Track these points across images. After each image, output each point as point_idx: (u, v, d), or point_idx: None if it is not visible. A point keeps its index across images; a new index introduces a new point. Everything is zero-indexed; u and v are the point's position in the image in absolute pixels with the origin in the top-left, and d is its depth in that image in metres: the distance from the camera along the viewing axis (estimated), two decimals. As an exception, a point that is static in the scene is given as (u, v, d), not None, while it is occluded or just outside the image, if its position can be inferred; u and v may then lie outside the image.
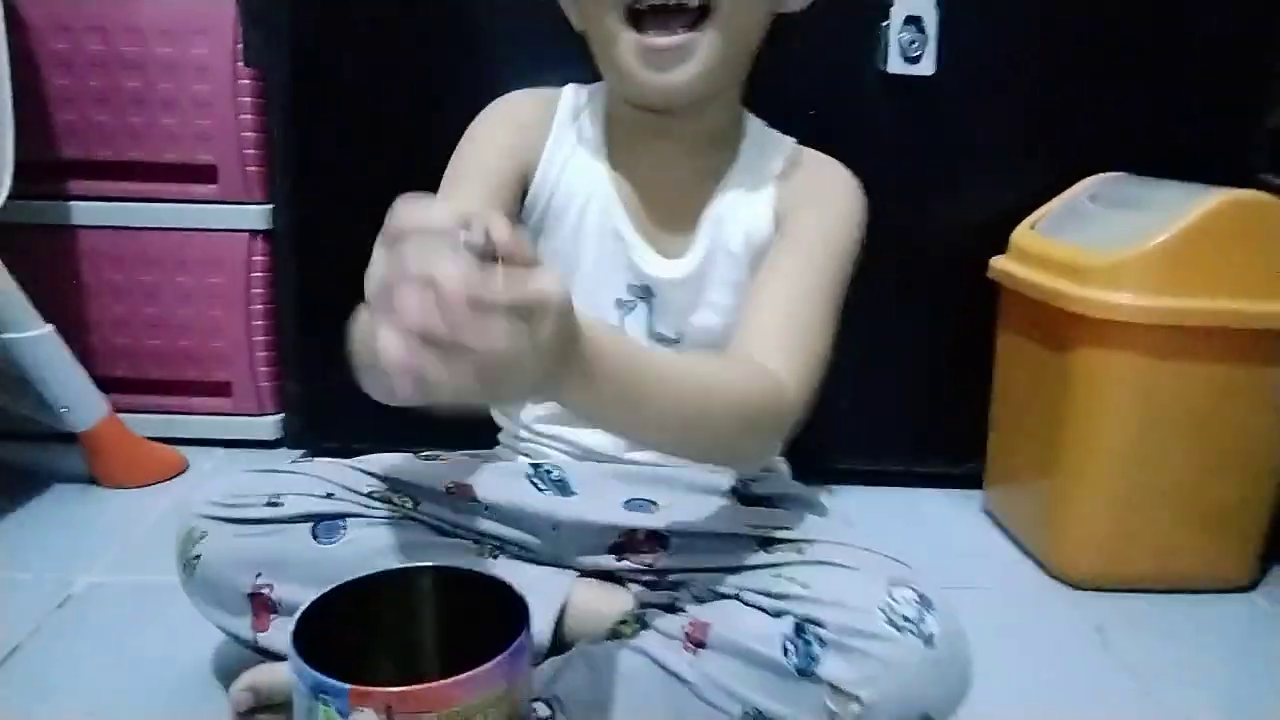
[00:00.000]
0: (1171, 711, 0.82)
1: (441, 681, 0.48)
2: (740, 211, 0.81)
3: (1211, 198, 0.92)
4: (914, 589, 0.61)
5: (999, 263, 1.12)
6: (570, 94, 0.85)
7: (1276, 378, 0.96)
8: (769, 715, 0.61)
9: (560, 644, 0.75)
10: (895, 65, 1.11)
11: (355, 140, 1.16)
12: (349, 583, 0.57)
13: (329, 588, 0.56)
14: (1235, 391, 0.96)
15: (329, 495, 0.76)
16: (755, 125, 0.85)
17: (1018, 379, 1.12)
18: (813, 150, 0.86)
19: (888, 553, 0.67)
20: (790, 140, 0.86)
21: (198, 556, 0.74)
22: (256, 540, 0.74)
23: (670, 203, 0.82)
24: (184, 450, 1.28)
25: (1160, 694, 0.84)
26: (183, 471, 1.25)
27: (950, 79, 1.11)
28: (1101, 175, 1.11)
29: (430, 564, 0.60)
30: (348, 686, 0.47)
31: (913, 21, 1.09)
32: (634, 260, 0.81)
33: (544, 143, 0.81)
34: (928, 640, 0.59)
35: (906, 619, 0.59)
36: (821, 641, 0.60)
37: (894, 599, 0.60)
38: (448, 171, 0.79)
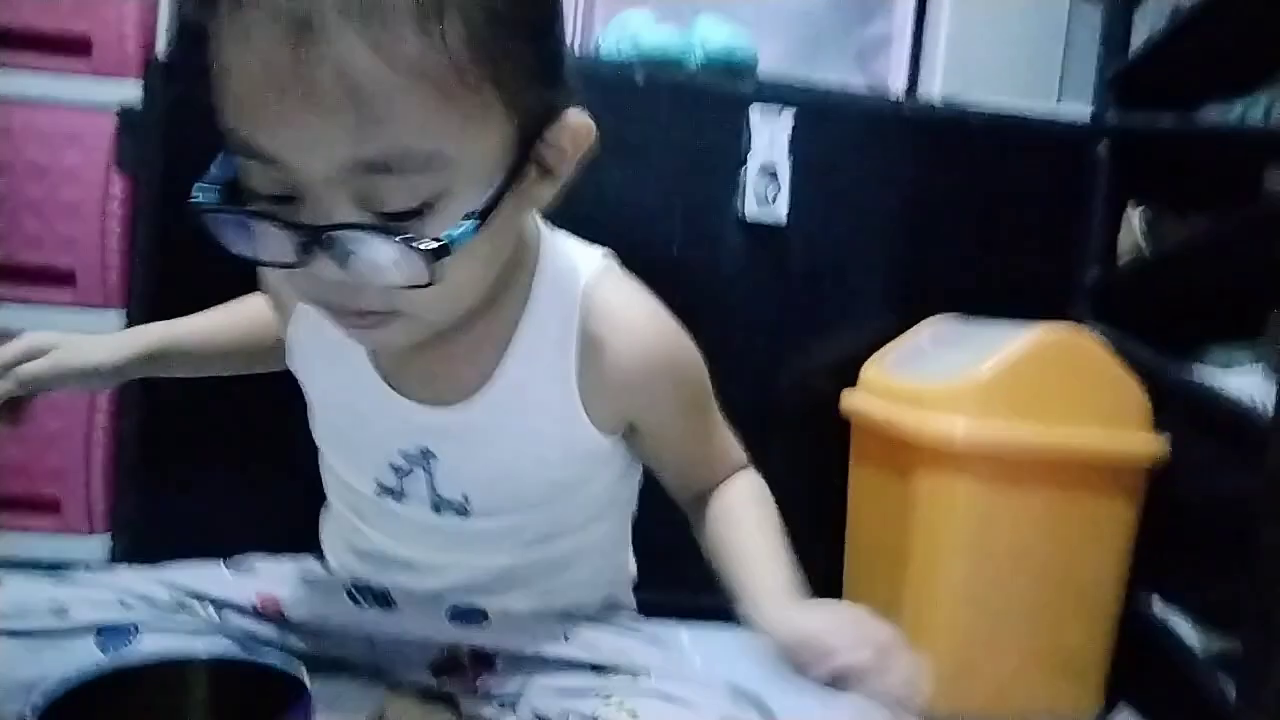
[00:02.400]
0: None
1: None
2: (530, 390, 0.66)
3: (1034, 332, 0.99)
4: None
5: (849, 397, 1.16)
6: None
7: (1108, 513, 1.00)
8: None
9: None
10: (751, 211, 1.18)
11: (225, 256, 1.15)
12: (105, 671, 0.50)
13: (82, 673, 0.50)
14: (1068, 526, 0.99)
15: (121, 603, 0.69)
16: (548, 269, 0.66)
17: (867, 513, 1.13)
18: (603, 298, 0.65)
19: (723, 683, 0.62)
20: (578, 286, 0.66)
21: None
22: (34, 656, 0.66)
23: (446, 362, 0.66)
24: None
25: None
26: None
27: (803, 226, 1.19)
28: (938, 316, 1.18)
29: (204, 654, 0.53)
30: None
31: (768, 172, 1.18)
32: (403, 417, 0.68)
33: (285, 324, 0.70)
34: None
35: None
36: None
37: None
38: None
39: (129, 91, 1.20)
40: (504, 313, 0.64)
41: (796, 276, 1.22)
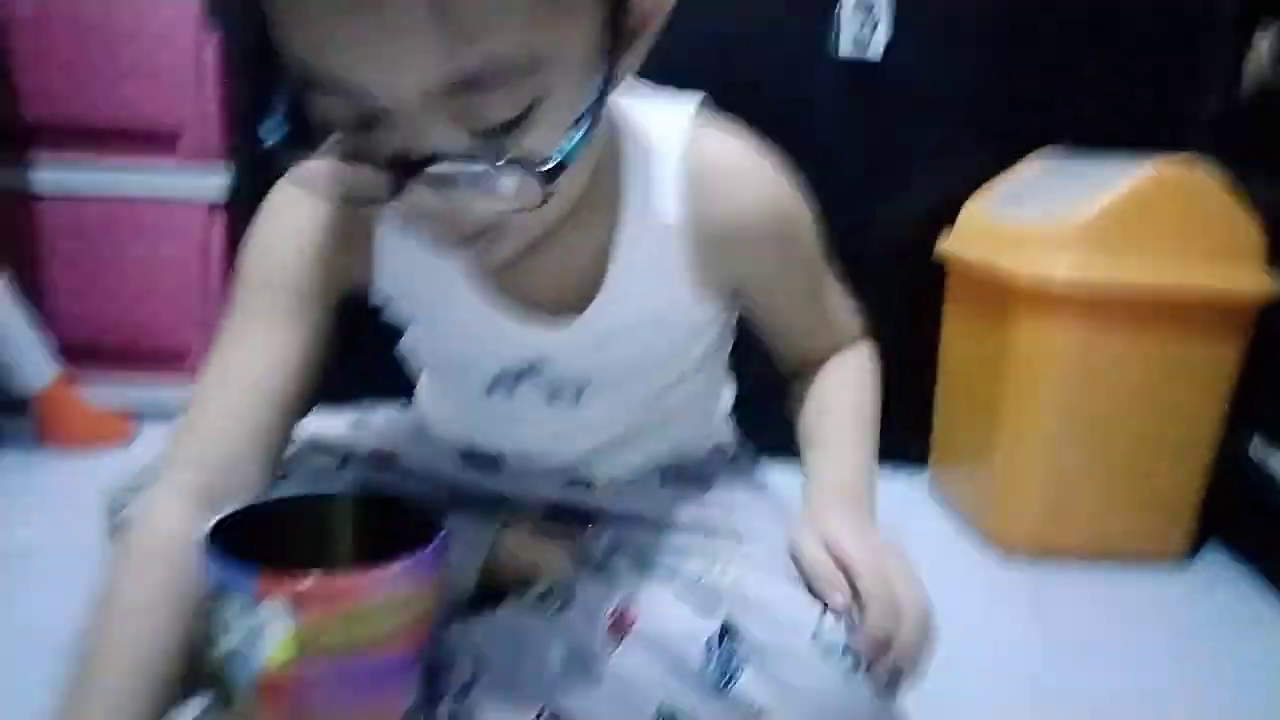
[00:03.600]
0: (1099, 681, 0.83)
1: (349, 575, 0.48)
2: (639, 286, 0.63)
3: (1146, 167, 0.94)
4: (846, 614, 0.58)
5: (945, 242, 1.14)
6: None
7: (1213, 354, 0.98)
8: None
9: (489, 589, 0.75)
10: (846, 49, 1.13)
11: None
12: (261, 504, 0.54)
13: (239, 507, 0.55)
14: (1171, 366, 0.97)
15: None
16: (631, 150, 0.62)
17: (962, 357, 1.13)
18: (705, 156, 0.61)
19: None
20: (674, 153, 0.62)
21: (122, 525, 0.73)
22: None
23: (550, 274, 0.64)
24: (134, 418, 1.28)
25: (1089, 663, 0.85)
26: (127, 439, 1.25)
27: (900, 62, 1.14)
28: (1047, 151, 1.13)
29: (348, 491, 0.59)
30: (256, 574, 0.47)
31: (864, 6, 1.12)
32: (514, 337, 0.66)
33: (370, 226, 0.63)
34: (854, 667, 0.56)
35: (836, 645, 0.56)
36: (743, 655, 0.58)
37: (826, 621, 0.57)
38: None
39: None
40: (600, 207, 0.60)
41: (893, 114, 1.18)
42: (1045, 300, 0.96)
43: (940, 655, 0.79)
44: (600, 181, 0.59)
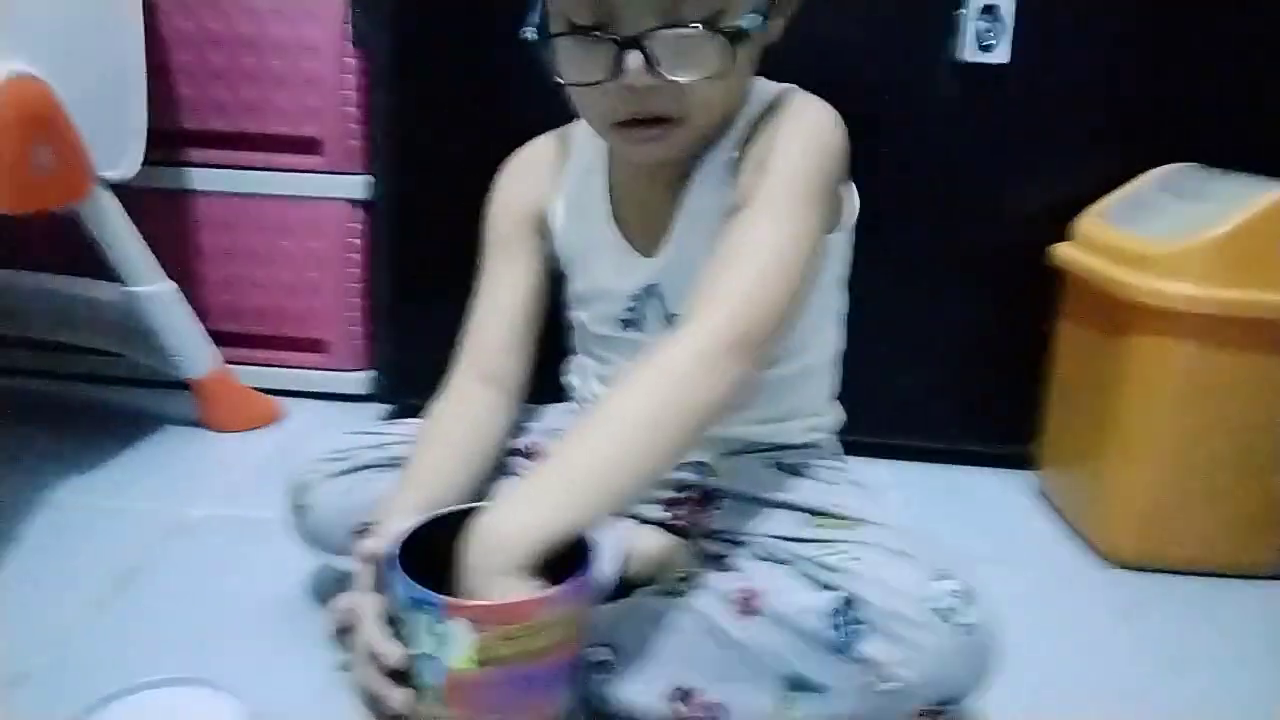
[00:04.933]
0: (1195, 694, 0.84)
1: (523, 599, 0.55)
2: (704, 220, 0.75)
3: (1275, 191, 0.94)
4: (957, 580, 0.65)
5: (1062, 249, 1.14)
6: (579, 133, 0.84)
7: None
8: (810, 683, 0.65)
9: (622, 585, 0.81)
10: (969, 54, 1.14)
11: (451, 118, 1.24)
12: (438, 515, 0.63)
13: (418, 519, 0.63)
14: (1288, 387, 0.97)
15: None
16: (755, 95, 0.77)
17: (1075, 363, 1.14)
18: (773, 102, 0.75)
19: (932, 537, 0.70)
20: (776, 89, 0.77)
21: (306, 505, 0.83)
22: (361, 486, 0.82)
23: (658, 200, 0.79)
24: (280, 401, 1.39)
25: (1187, 676, 0.87)
26: (279, 419, 1.36)
27: (1023, 67, 1.14)
28: (1171, 166, 1.12)
29: None
30: (443, 599, 0.55)
31: (989, 10, 1.12)
32: (633, 267, 0.81)
33: (550, 189, 0.84)
34: (966, 630, 0.63)
35: (948, 609, 0.63)
36: (866, 621, 0.63)
37: (938, 588, 0.64)
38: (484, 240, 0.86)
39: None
40: (698, 151, 0.75)
41: (1015, 119, 1.18)
42: (1167, 317, 0.96)
43: (1036, 654, 0.84)
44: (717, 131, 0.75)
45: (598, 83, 0.66)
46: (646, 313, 0.82)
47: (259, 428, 1.33)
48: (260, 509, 0.92)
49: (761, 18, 0.68)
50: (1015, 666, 0.67)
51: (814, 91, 0.76)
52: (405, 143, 1.26)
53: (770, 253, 0.66)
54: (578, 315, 0.88)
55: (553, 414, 0.91)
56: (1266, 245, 0.94)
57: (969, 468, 1.30)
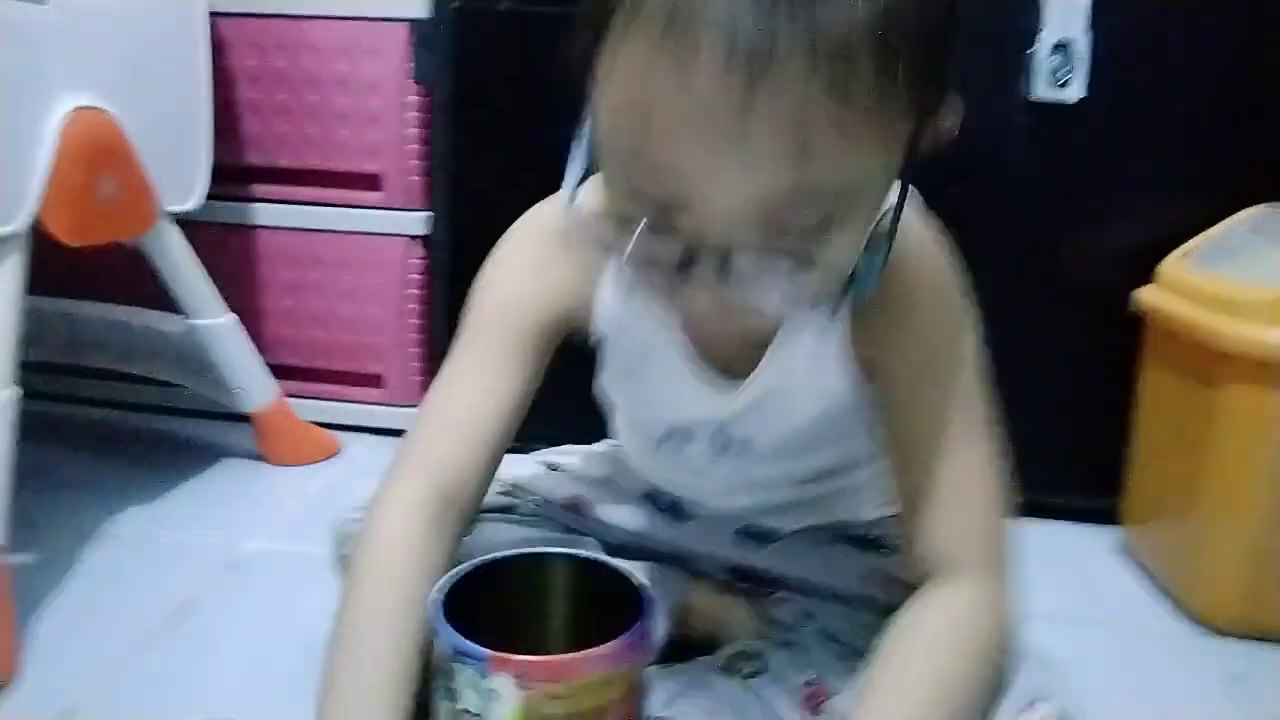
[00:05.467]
0: None
1: (571, 655, 0.52)
2: (801, 358, 0.65)
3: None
4: (1053, 706, 0.58)
5: (1146, 295, 1.09)
6: None
7: None
8: None
9: (679, 642, 0.78)
10: (1042, 91, 1.10)
11: (511, 155, 1.23)
12: (486, 561, 0.60)
13: (468, 564, 0.61)
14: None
15: None
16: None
17: (1162, 414, 1.08)
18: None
19: (1024, 643, 0.60)
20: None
21: (349, 556, 0.81)
22: None
23: (731, 336, 0.64)
24: (338, 435, 1.39)
25: None
26: (337, 454, 1.36)
27: (1098, 105, 1.09)
28: (1263, 206, 1.06)
29: (562, 550, 0.63)
30: (488, 653, 0.52)
31: (1061, 48, 1.08)
32: (692, 397, 0.69)
33: (588, 278, 0.66)
34: None
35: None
36: None
37: (1032, 714, 0.57)
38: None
39: (420, 5, 1.27)
40: None
41: (1089, 159, 1.13)
42: (1263, 367, 0.91)
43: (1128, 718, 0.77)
44: None
45: (651, 267, 0.50)
46: (688, 444, 0.72)
47: (317, 461, 1.33)
48: (313, 544, 0.91)
49: (885, 254, 0.52)
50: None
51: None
52: (465, 179, 1.26)
53: (995, 473, 0.62)
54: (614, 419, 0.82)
55: (589, 461, 0.88)
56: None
57: (1050, 521, 1.23)
